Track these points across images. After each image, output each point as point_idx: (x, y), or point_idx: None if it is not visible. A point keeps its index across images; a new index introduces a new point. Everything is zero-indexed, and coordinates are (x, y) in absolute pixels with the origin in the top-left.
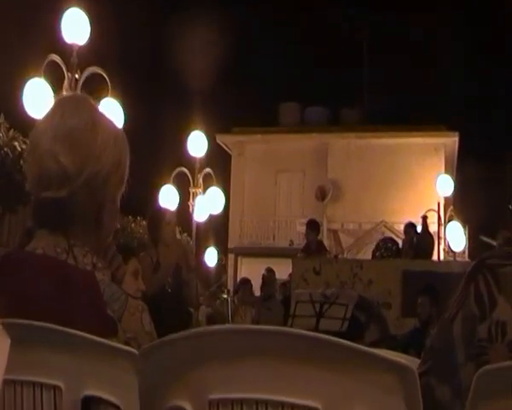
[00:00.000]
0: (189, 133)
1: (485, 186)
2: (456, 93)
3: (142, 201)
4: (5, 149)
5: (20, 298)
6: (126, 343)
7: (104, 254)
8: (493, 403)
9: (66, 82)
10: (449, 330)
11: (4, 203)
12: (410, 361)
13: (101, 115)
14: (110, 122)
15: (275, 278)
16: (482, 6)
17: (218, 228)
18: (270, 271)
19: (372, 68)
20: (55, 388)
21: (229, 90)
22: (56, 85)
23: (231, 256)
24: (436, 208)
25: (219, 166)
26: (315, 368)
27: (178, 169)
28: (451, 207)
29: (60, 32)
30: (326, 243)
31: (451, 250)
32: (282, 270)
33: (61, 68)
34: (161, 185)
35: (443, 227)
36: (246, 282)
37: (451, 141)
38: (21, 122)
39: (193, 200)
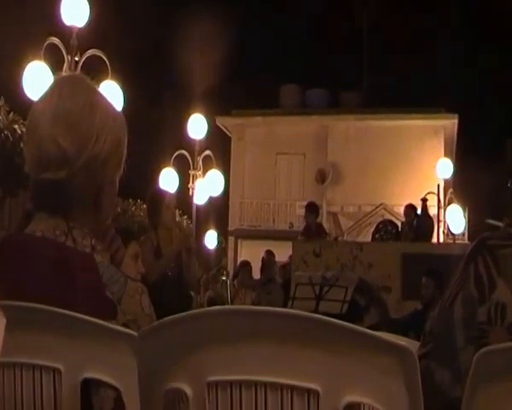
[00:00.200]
0: (188, 116)
1: (485, 168)
2: (456, 75)
3: (142, 184)
4: (5, 132)
5: (18, 281)
6: (125, 326)
7: (103, 236)
8: (493, 385)
9: (65, 65)
10: (449, 313)
11: (4, 186)
12: (410, 344)
13: (100, 96)
14: (108, 103)
15: (274, 261)
16: None
17: (218, 211)
18: (269, 253)
19: (372, 50)
20: (55, 370)
21: (229, 72)
22: (56, 68)
23: (231, 239)
24: (436, 191)
25: (219, 148)
26: (314, 350)
27: (178, 152)
28: (451, 189)
29: (59, 14)
30: (326, 225)
31: (451, 233)
32: (282, 252)
33: (61, 51)
34: (161, 168)
35: (443, 210)
36: (245, 264)
37: (451, 123)
38: (21, 105)
39: (193, 182)
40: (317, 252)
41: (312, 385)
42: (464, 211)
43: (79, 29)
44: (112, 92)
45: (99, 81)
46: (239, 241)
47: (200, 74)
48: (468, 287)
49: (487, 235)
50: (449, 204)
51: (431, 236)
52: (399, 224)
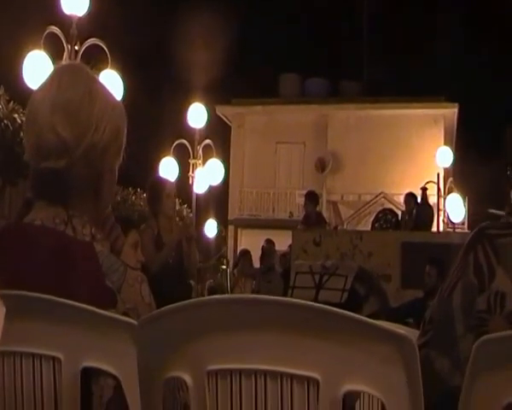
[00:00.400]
0: (188, 105)
1: (485, 158)
2: (456, 64)
3: (142, 173)
4: (5, 122)
5: (18, 270)
6: (125, 314)
7: (103, 224)
8: (492, 373)
9: (65, 54)
10: (448, 301)
11: (4, 176)
12: (410, 332)
13: (99, 85)
14: (108, 92)
15: (274, 250)
16: None
17: (218, 200)
18: (269, 242)
19: (372, 40)
20: (55, 359)
21: (230, 61)
22: (56, 57)
23: (231, 228)
24: (436, 180)
25: (219, 137)
26: (314, 339)
27: (178, 141)
28: (451, 178)
29: (59, 3)
30: (325, 214)
31: (451, 222)
32: (282, 241)
33: (61, 40)
34: (161, 157)
35: (442, 199)
36: (245, 253)
37: (451, 112)
38: (21, 94)
39: (193, 171)
40: (316, 241)
41: (312, 374)
42: (464, 200)
43: (79, 18)
44: (111, 81)
45: (99, 70)
46: (239, 230)
47: (200, 64)
48: (468, 276)
49: (487, 224)
50: (449, 193)
51: (431, 225)
52: (399, 213)
